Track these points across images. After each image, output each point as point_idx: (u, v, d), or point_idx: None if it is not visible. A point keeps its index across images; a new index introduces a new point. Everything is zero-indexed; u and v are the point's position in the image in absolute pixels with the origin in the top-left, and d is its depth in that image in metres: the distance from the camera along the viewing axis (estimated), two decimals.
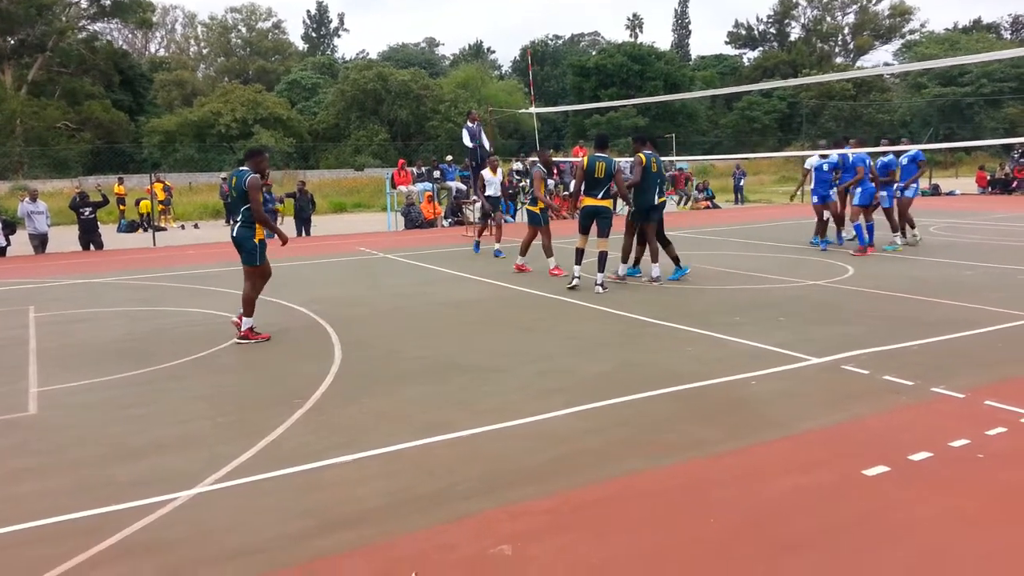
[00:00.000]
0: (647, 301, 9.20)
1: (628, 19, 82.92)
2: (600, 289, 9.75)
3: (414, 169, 24.37)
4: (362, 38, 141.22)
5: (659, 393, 5.57)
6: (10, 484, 4.33)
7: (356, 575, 3.30)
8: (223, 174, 34.64)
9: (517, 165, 24.13)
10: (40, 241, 16.98)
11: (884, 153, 13.37)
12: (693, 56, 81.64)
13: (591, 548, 3.44)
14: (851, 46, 74.98)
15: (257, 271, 7.71)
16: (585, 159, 10.06)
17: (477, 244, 14.33)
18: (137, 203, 24.10)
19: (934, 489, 3.93)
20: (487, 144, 18.41)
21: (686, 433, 4.80)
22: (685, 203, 27.94)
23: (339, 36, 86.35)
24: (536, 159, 13.17)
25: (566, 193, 12.00)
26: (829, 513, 3.72)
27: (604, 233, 9.84)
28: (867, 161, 13.05)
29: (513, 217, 21.14)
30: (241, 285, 7.85)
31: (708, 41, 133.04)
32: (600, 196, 9.83)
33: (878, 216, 13.44)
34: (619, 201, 11.77)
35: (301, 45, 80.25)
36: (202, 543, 3.58)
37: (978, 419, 4.87)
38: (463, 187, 22.41)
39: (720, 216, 23.35)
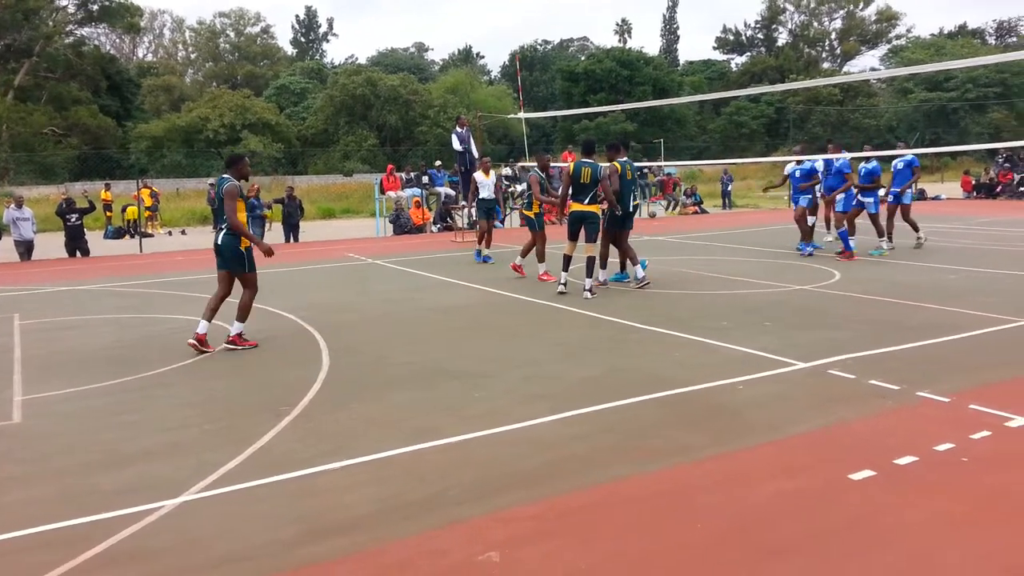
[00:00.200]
0: (634, 306, 9.23)
1: (617, 24, 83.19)
2: (588, 295, 9.77)
3: (403, 175, 24.39)
4: (351, 43, 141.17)
5: (646, 399, 5.59)
6: None
7: None
8: (211, 180, 34.50)
9: (506, 171, 24.17)
10: (26, 248, 16.89)
11: (867, 160, 13.43)
12: (681, 61, 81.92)
13: (577, 554, 3.45)
14: (838, 51, 75.47)
15: (251, 278, 7.67)
16: (571, 165, 10.12)
17: (479, 252, 13.74)
18: (124, 209, 23.98)
19: (920, 493, 3.96)
20: (475, 151, 18.43)
21: (672, 438, 4.82)
22: (673, 208, 28.03)
23: (328, 41, 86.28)
24: (534, 163, 13.20)
25: (551, 198, 11.90)
26: (815, 517, 3.74)
27: (591, 238, 9.91)
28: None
29: (502, 223, 21.14)
30: (234, 292, 7.82)
31: (696, 46, 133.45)
32: (587, 201, 9.88)
33: (863, 221, 13.51)
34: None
35: (290, 50, 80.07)
36: (189, 551, 3.57)
37: (963, 423, 4.91)
38: (452, 192, 22.43)
39: (708, 221, 23.44)
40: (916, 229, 14.12)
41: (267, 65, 72.24)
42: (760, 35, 77.74)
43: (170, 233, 24.67)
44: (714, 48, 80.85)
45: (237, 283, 7.68)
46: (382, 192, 22.57)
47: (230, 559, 3.49)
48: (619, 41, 77.78)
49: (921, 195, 30.41)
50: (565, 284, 10.22)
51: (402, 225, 21.45)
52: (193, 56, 77.09)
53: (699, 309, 9.05)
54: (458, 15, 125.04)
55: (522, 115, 22.20)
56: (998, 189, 30.31)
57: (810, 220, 13.72)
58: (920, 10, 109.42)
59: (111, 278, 13.27)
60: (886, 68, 62.32)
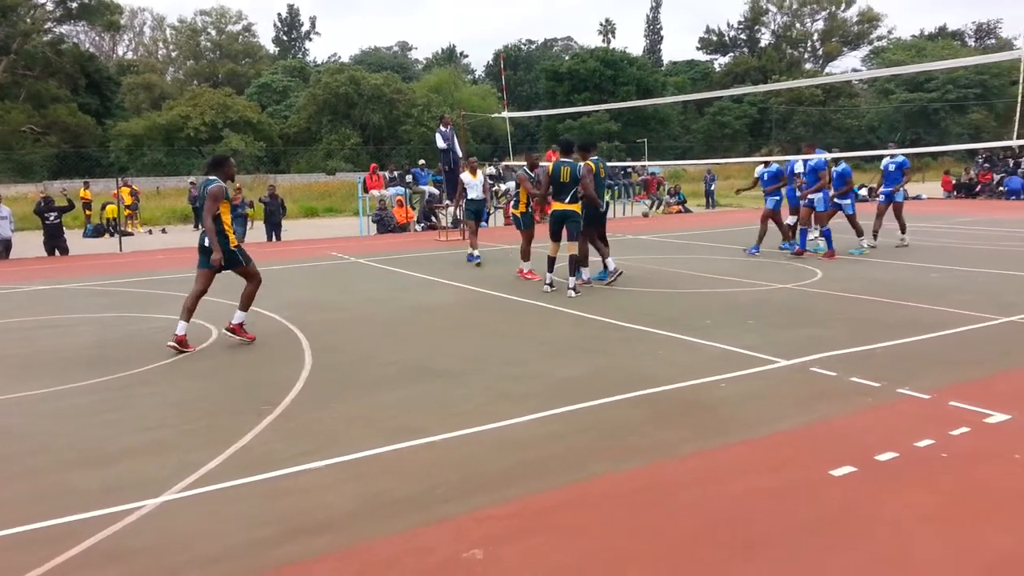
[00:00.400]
0: (618, 305, 9.25)
1: (601, 24, 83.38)
2: (572, 293, 9.78)
3: (386, 173, 24.32)
4: (334, 42, 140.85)
5: (628, 397, 5.59)
6: None
7: None
8: (191, 178, 34.36)
9: (491, 170, 24.17)
10: (3, 247, 16.71)
11: (837, 162, 13.44)
12: (665, 62, 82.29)
13: (558, 551, 3.45)
14: (820, 52, 76.03)
15: (251, 269, 7.68)
16: (551, 165, 10.17)
17: (472, 255, 13.33)
18: (103, 207, 23.74)
19: (900, 489, 3.99)
20: (459, 150, 18.40)
21: (654, 436, 4.83)
22: (657, 207, 28.12)
23: (310, 39, 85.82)
24: (522, 163, 13.17)
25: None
26: (796, 513, 3.75)
27: (573, 237, 9.93)
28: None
29: (486, 222, 21.12)
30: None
31: (680, 47, 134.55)
32: (567, 200, 9.91)
33: (839, 220, 13.58)
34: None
35: (272, 48, 79.70)
36: (168, 551, 3.53)
37: (943, 419, 4.95)
38: (436, 191, 22.39)
39: (691, 220, 23.55)
40: (903, 230, 14.24)
41: (249, 63, 71.81)
42: (743, 36, 78.22)
43: (150, 232, 24.49)
44: (697, 48, 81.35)
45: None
46: (365, 191, 22.50)
47: (211, 559, 3.46)
48: (603, 41, 78.08)
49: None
50: (551, 284, 10.24)
51: (386, 224, 21.39)
52: (174, 54, 76.53)
53: (682, 307, 9.09)
54: (441, 14, 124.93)
55: (506, 114, 22.16)
56: (978, 189, 30.66)
57: (790, 220, 13.81)
58: (901, 12, 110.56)
59: (91, 277, 13.14)
60: (868, 69, 62.89)
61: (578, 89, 60.20)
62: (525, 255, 11.54)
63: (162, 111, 52.19)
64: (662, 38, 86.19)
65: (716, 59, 79.61)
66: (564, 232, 9.97)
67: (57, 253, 17.52)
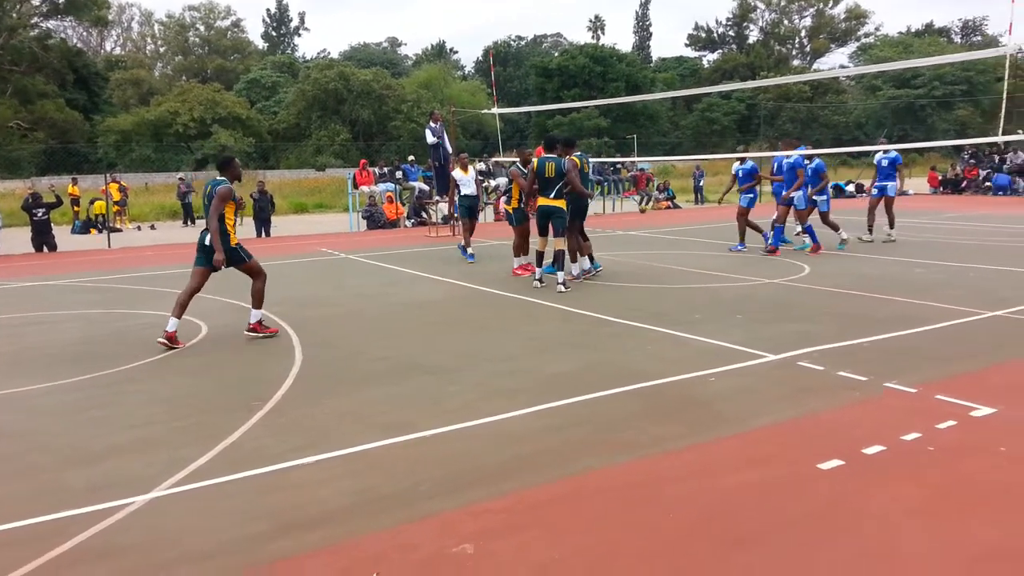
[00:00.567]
0: (608, 300, 9.27)
1: (590, 21, 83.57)
2: (562, 287, 9.81)
3: (376, 169, 24.27)
4: (323, 37, 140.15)
5: (618, 391, 5.62)
6: None
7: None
8: (180, 174, 34.18)
9: (480, 165, 24.15)
10: None
11: (810, 159, 13.44)
12: (654, 58, 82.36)
13: (549, 546, 3.46)
14: (808, 49, 76.29)
15: (254, 265, 7.76)
16: (535, 161, 10.20)
17: (466, 251, 13.12)
18: (92, 203, 23.58)
19: (887, 482, 4.02)
20: (449, 146, 18.38)
21: (644, 430, 4.85)
22: (647, 203, 28.17)
23: (299, 35, 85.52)
24: (513, 159, 13.13)
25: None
26: (784, 507, 3.78)
27: (559, 232, 9.98)
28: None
29: (476, 217, 21.10)
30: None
31: (669, 43, 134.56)
32: (552, 196, 9.95)
33: (812, 218, 13.60)
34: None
35: (261, 44, 79.34)
36: (158, 547, 3.53)
37: (929, 413, 5.00)
38: (426, 188, 22.36)
39: (680, 216, 23.61)
40: (891, 224, 14.34)
41: (238, 59, 71.49)
42: (731, 32, 78.39)
43: (139, 228, 24.35)
44: (686, 45, 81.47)
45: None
46: (355, 187, 22.44)
47: (202, 555, 3.46)
48: (592, 37, 78.12)
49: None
50: (541, 279, 10.28)
51: (376, 220, 21.35)
52: (162, 50, 76.09)
53: (671, 303, 9.12)
54: (431, 10, 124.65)
55: (496, 110, 22.16)
56: (964, 184, 30.84)
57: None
58: (888, 9, 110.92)
59: (79, 273, 13.07)
60: (855, 65, 63.13)
61: (567, 85, 60.18)
62: (518, 251, 11.54)
63: (150, 107, 51.90)
64: (651, 34, 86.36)
65: (705, 56, 79.83)
66: (551, 228, 10.04)
67: (45, 249, 17.42)
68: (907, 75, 56.66)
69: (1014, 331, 7.33)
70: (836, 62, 76.54)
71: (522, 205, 11.52)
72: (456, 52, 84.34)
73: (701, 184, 30.50)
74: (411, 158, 25.85)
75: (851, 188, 31.56)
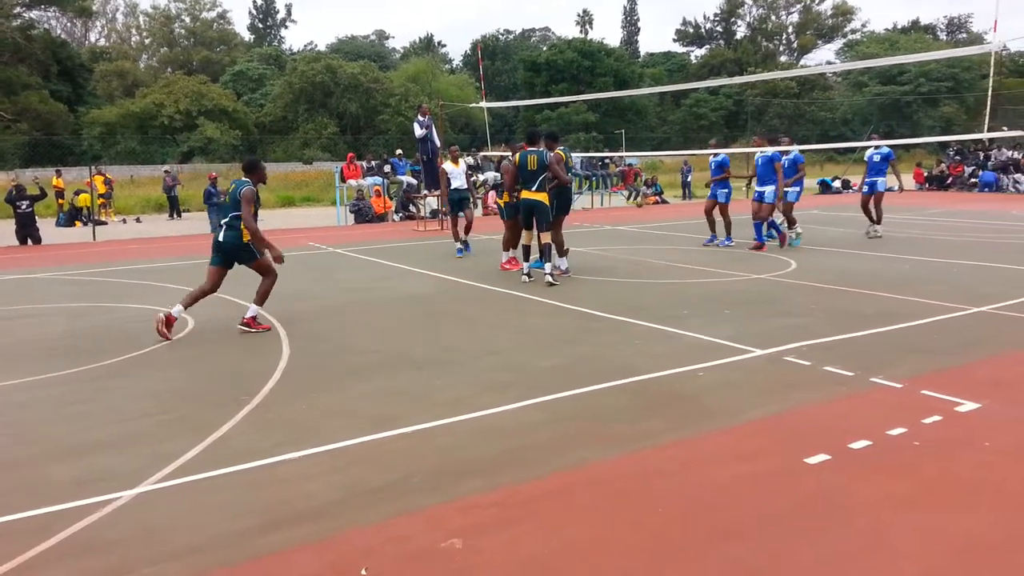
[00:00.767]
0: (597, 295, 9.28)
1: (578, 15, 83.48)
2: (550, 278, 9.84)
3: (364, 163, 24.18)
4: (310, 29, 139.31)
5: (607, 386, 5.63)
6: None
7: (305, 570, 3.27)
8: (166, 167, 33.95)
9: (468, 160, 24.10)
10: None
11: (787, 152, 13.51)
12: (642, 53, 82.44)
13: (538, 540, 3.47)
14: (795, 45, 76.53)
15: (265, 262, 7.78)
16: (517, 155, 10.20)
17: (460, 248, 13.03)
18: (77, 194, 23.37)
19: (873, 476, 4.05)
20: (437, 140, 18.34)
21: (633, 425, 4.87)
22: (634, 198, 28.22)
23: (286, 27, 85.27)
24: (504, 152, 13.09)
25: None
26: (772, 500, 3.80)
27: (543, 227, 10.01)
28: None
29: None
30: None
31: (657, 38, 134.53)
32: (535, 188, 9.96)
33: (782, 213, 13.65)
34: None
35: (247, 36, 78.80)
36: (145, 543, 3.51)
37: (915, 408, 5.03)
38: (414, 181, 22.31)
39: (668, 211, 23.66)
40: (879, 220, 14.45)
41: (224, 51, 70.95)
42: (719, 28, 78.57)
43: (124, 221, 24.17)
44: (674, 40, 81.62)
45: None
46: (343, 180, 22.36)
47: (189, 550, 3.44)
48: (580, 32, 78.13)
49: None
50: (529, 274, 10.28)
51: (363, 214, 21.28)
52: (147, 41, 75.39)
53: (660, 298, 9.14)
54: (419, 3, 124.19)
55: (484, 104, 22.09)
56: (949, 181, 31.05)
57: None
58: (874, 5, 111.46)
59: (63, 266, 12.97)
60: (842, 62, 63.40)
61: (556, 80, 60.17)
62: (507, 245, 11.49)
63: (136, 99, 51.43)
64: (639, 29, 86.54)
65: (692, 51, 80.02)
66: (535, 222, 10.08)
67: (29, 242, 17.27)
68: (893, 72, 56.98)
69: (998, 327, 7.39)
70: (823, 58, 76.92)
71: (514, 199, 11.48)
72: (444, 46, 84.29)
73: (689, 179, 30.57)
74: (399, 152, 25.77)
75: (837, 184, 31.71)
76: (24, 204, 17.27)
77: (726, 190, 13.66)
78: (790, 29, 76.49)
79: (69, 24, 69.67)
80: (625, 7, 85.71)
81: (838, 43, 74.40)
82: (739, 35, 77.34)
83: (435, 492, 3.95)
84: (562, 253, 10.74)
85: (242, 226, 7.58)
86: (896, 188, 15.48)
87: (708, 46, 78.23)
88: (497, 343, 7.10)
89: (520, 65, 66.18)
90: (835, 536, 3.45)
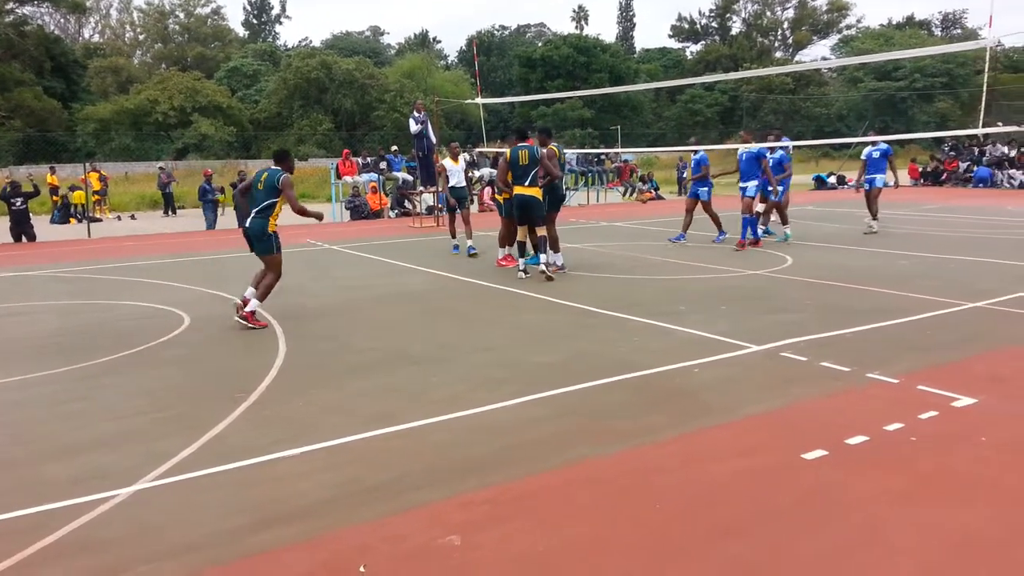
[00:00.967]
0: (593, 291, 9.28)
1: (574, 11, 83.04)
2: (544, 268, 9.96)
3: (360, 159, 24.12)
4: (305, 25, 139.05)
5: (604, 382, 5.62)
6: None
7: (301, 568, 3.26)
8: (160, 163, 33.83)
9: (465, 156, 24.04)
10: None
11: (773, 149, 13.49)
12: (638, 49, 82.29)
13: (535, 536, 3.46)
14: (790, 41, 76.49)
15: (277, 259, 7.92)
16: (508, 152, 10.17)
17: (456, 246, 12.85)
18: (72, 189, 23.27)
19: (870, 472, 4.05)
20: (433, 136, 18.29)
21: (630, 421, 4.86)
22: (630, 194, 28.20)
23: (281, 23, 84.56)
24: (501, 148, 13.02)
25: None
26: (769, 496, 3.80)
27: (538, 222, 10.08)
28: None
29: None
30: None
31: (652, 34, 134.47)
32: (528, 183, 9.96)
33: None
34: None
35: (242, 32, 78.46)
36: (141, 541, 3.50)
37: (911, 403, 5.03)
38: (409, 178, 22.26)
39: (664, 207, 23.65)
40: (874, 216, 14.48)
41: (218, 47, 70.63)
42: (714, 24, 78.41)
43: (119, 218, 24.10)
44: (669, 36, 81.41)
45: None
46: (338, 177, 22.31)
47: (184, 548, 3.43)
48: (576, 28, 77.91)
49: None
50: (525, 270, 10.27)
51: (359, 210, 21.24)
52: (141, 37, 75.01)
53: (656, 294, 9.14)
54: None
55: (480, 100, 22.05)
56: (944, 176, 31.09)
57: (759, 207, 13.89)
58: (869, 1, 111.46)
59: (58, 264, 12.92)
60: (837, 57, 63.44)
61: (551, 76, 60.04)
62: (503, 242, 11.44)
63: (130, 95, 51.17)
64: (634, 25, 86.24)
65: (688, 47, 79.83)
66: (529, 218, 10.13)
67: (24, 239, 17.20)
68: (888, 67, 56.96)
69: (993, 322, 7.40)
70: (818, 54, 76.83)
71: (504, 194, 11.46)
72: (439, 42, 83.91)
73: (685, 175, 30.55)
74: (394, 148, 25.71)
75: (832, 180, 31.73)
76: (19, 201, 17.20)
77: (706, 187, 13.70)
78: (785, 25, 76.41)
79: (62, 20, 69.34)
80: (620, 3, 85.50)
81: (833, 39, 74.38)
82: (734, 31, 77.22)
83: (432, 489, 3.94)
84: (556, 249, 10.73)
85: (271, 216, 7.83)
86: (892, 183, 15.49)
87: (703, 42, 78.08)
88: (493, 339, 7.09)
89: (515, 61, 66.00)
90: (833, 532, 3.45)
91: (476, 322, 7.93)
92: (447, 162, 12.99)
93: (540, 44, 70.98)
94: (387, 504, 3.79)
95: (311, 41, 79.49)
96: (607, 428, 4.75)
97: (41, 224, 19.74)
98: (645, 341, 6.88)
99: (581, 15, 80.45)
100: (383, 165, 23.63)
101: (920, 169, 32.34)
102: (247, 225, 7.91)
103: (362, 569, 3.20)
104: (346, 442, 4.60)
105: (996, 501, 3.73)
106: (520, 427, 4.79)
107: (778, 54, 75.07)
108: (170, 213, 24.55)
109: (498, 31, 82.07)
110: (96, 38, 74.64)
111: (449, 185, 12.82)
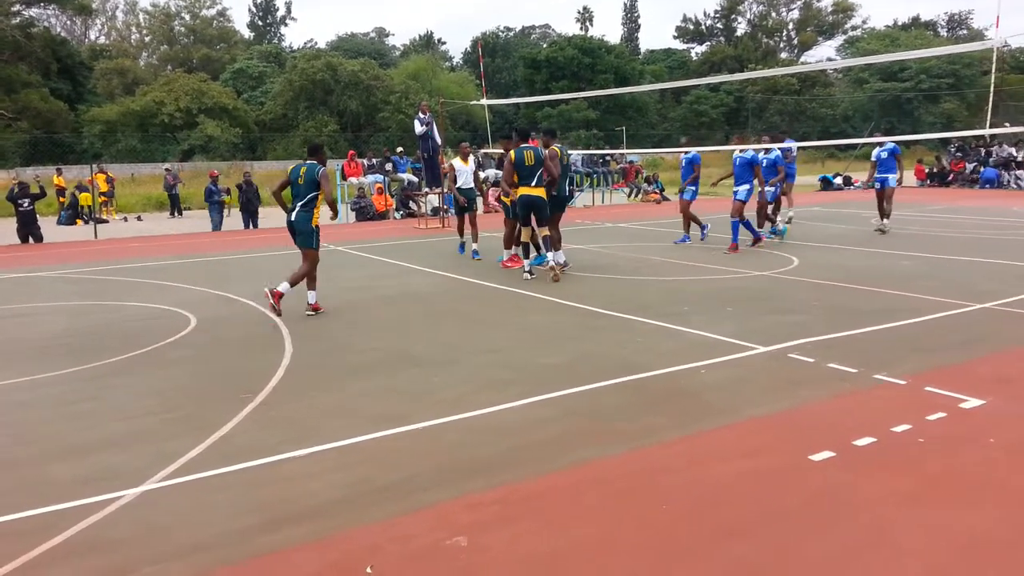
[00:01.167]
0: (598, 292, 9.27)
1: (578, 12, 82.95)
2: (552, 262, 10.01)
3: (365, 161, 24.17)
4: (310, 27, 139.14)
5: (610, 383, 5.62)
6: None
7: (309, 569, 3.27)
8: (167, 165, 33.95)
9: (472, 157, 24.04)
10: None
11: (768, 151, 13.43)
12: (642, 50, 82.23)
13: (542, 537, 3.46)
14: (795, 42, 76.39)
15: (315, 254, 8.37)
16: (512, 153, 10.12)
17: (462, 245, 12.72)
18: (78, 187, 23.33)
19: (877, 473, 4.04)
20: (438, 137, 18.30)
21: (636, 422, 4.86)
22: (635, 196, 28.19)
23: (286, 25, 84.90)
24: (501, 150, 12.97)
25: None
26: (776, 498, 3.80)
27: (542, 223, 10.15)
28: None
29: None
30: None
31: (657, 35, 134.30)
32: (534, 184, 9.98)
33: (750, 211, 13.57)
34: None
35: (247, 33, 78.65)
36: (149, 541, 3.51)
37: (919, 405, 5.02)
38: (414, 179, 22.29)
39: (669, 208, 23.58)
40: (886, 216, 14.49)
41: (224, 49, 70.80)
42: (719, 25, 78.40)
43: (125, 219, 24.16)
44: (674, 37, 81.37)
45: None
46: (344, 178, 22.34)
47: (192, 548, 3.44)
48: (581, 29, 77.92)
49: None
50: (530, 271, 10.28)
51: (365, 212, 21.27)
52: (147, 39, 75.21)
53: (662, 295, 9.13)
54: (419, 0, 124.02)
55: (485, 102, 22.05)
56: (950, 177, 31.00)
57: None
58: (875, 2, 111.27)
59: (65, 265, 12.96)
60: (842, 59, 63.31)
61: (556, 77, 60.07)
62: (508, 243, 11.41)
63: (136, 97, 51.36)
64: (639, 26, 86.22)
65: (693, 48, 79.81)
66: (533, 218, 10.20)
67: (31, 240, 17.26)
68: (894, 68, 56.87)
69: (1001, 323, 7.38)
70: (823, 55, 76.75)
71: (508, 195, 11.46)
72: (444, 43, 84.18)
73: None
74: (399, 149, 25.75)
75: (839, 180, 31.67)
76: (26, 202, 17.25)
77: (693, 187, 13.70)
78: (791, 26, 76.35)
79: (69, 22, 69.55)
80: (625, 4, 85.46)
81: (839, 40, 74.30)
82: (739, 32, 77.22)
83: (440, 490, 3.94)
84: (558, 247, 10.72)
85: (314, 209, 8.23)
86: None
87: (709, 43, 78.05)
88: (499, 341, 7.09)
89: (520, 62, 66.04)
90: (839, 533, 3.44)
91: (481, 323, 7.94)
92: (456, 162, 12.80)
93: (545, 45, 70.99)
94: (396, 504, 3.79)
95: (316, 43, 79.65)
96: (613, 429, 4.75)
97: (48, 225, 19.80)
98: (651, 342, 6.88)
99: (586, 16, 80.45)
100: (388, 166, 23.66)
101: (926, 170, 32.25)
102: (292, 219, 8.31)
103: (369, 570, 3.21)
104: (353, 443, 4.60)
105: (1004, 502, 3.72)
106: (526, 428, 4.80)
107: (783, 55, 74.98)
108: (176, 214, 24.61)
109: (503, 32, 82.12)
110: (102, 40, 74.87)
111: (457, 185, 12.64)
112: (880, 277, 9.80)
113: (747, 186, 12.54)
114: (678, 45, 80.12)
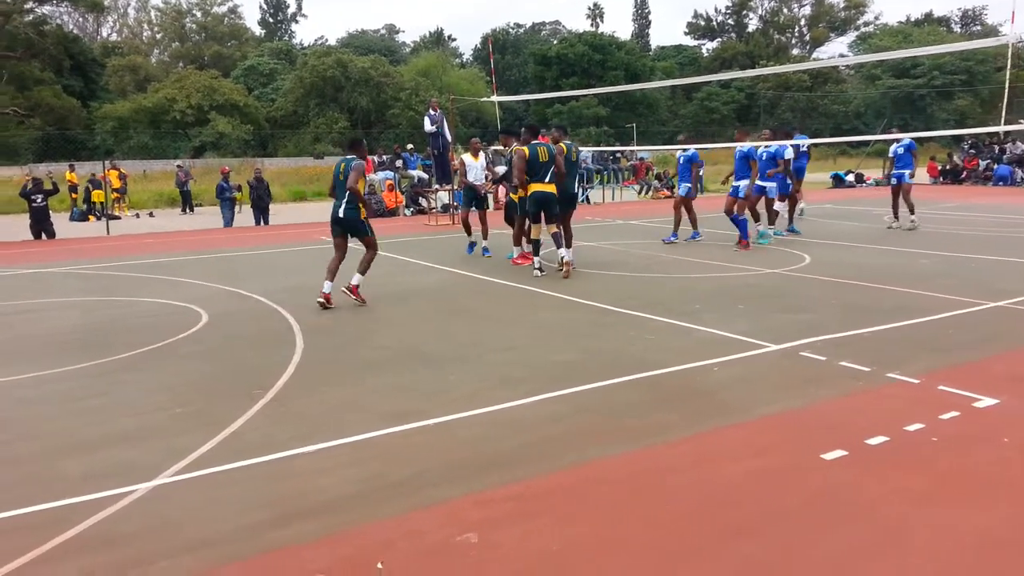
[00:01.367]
0: (609, 289, 9.25)
1: (589, 8, 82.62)
2: (566, 256, 10.06)
3: (375, 157, 24.21)
4: (321, 24, 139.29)
5: (621, 381, 5.61)
6: None
7: (320, 564, 3.27)
8: (178, 161, 34.06)
9: (483, 153, 24.05)
10: None
11: (768, 145, 13.35)
12: (653, 46, 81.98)
13: (553, 534, 3.46)
14: (807, 38, 76.03)
15: (372, 239, 8.76)
16: (525, 149, 10.07)
17: (471, 245, 12.64)
18: (91, 183, 23.42)
19: (890, 472, 4.02)
20: (448, 134, 18.29)
21: (648, 420, 4.85)
22: (646, 192, 28.13)
23: (297, 22, 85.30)
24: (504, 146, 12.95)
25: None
26: (788, 496, 3.78)
27: (552, 221, 10.20)
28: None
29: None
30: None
31: (668, 32, 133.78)
32: (547, 180, 9.98)
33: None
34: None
35: (258, 30, 78.88)
36: (161, 536, 3.52)
37: (932, 404, 4.99)
38: (425, 176, 22.30)
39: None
40: (912, 211, 14.46)
41: (235, 46, 71.03)
42: (730, 21, 78.10)
43: (137, 215, 24.27)
44: (685, 34, 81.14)
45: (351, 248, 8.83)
46: None
47: (204, 543, 3.45)
48: (591, 25, 77.75)
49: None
50: (541, 268, 10.27)
51: (375, 208, 21.28)
52: (159, 36, 75.55)
53: (673, 292, 9.11)
54: None
55: (495, 98, 22.02)
56: (963, 175, 30.80)
57: (777, 206, 13.82)
58: None
59: (77, 260, 13.03)
60: (854, 55, 62.95)
61: (566, 73, 59.92)
62: (518, 240, 11.41)
63: (148, 93, 51.58)
64: (650, 23, 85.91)
65: (704, 44, 79.54)
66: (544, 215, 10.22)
67: (44, 237, 17.37)
68: (906, 64, 56.47)
69: (1015, 322, 7.32)
70: (835, 51, 76.37)
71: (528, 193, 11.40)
72: (454, 40, 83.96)
73: (701, 173, 30.42)
74: (410, 146, 25.78)
75: (851, 178, 31.51)
76: (39, 198, 17.35)
77: (688, 184, 13.65)
78: (802, 22, 75.96)
79: (81, 19, 69.92)
80: (636, 0, 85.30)
81: (851, 36, 73.83)
82: (751, 28, 76.87)
83: (451, 486, 3.94)
84: (568, 244, 10.70)
85: (359, 203, 8.50)
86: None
87: (720, 39, 77.76)
88: (510, 338, 7.08)
89: (530, 59, 65.91)
90: (850, 532, 3.42)
91: (492, 320, 7.93)
92: (467, 157, 12.72)
93: (555, 42, 70.84)
94: (408, 500, 3.79)
95: (327, 40, 79.80)
96: (624, 426, 4.74)
97: (60, 221, 19.91)
98: (663, 340, 6.86)
99: (596, 13, 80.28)
100: (399, 163, 23.69)
101: (939, 167, 32.05)
102: (341, 214, 8.53)
103: (379, 566, 3.21)
104: (364, 439, 4.61)
105: (1018, 502, 3.69)
106: (538, 425, 4.79)
107: (795, 51, 74.66)
108: (188, 211, 24.70)
109: (513, 29, 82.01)
110: (114, 37, 75.27)
111: (467, 181, 12.55)
112: (893, 275, 9.74)
113: (746, 181, 12.50)
114: (689, 41, 79.88)
